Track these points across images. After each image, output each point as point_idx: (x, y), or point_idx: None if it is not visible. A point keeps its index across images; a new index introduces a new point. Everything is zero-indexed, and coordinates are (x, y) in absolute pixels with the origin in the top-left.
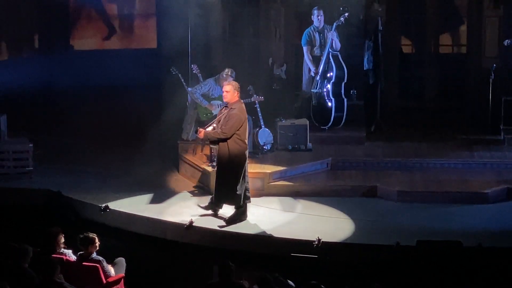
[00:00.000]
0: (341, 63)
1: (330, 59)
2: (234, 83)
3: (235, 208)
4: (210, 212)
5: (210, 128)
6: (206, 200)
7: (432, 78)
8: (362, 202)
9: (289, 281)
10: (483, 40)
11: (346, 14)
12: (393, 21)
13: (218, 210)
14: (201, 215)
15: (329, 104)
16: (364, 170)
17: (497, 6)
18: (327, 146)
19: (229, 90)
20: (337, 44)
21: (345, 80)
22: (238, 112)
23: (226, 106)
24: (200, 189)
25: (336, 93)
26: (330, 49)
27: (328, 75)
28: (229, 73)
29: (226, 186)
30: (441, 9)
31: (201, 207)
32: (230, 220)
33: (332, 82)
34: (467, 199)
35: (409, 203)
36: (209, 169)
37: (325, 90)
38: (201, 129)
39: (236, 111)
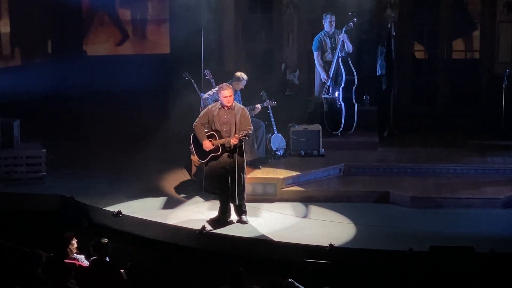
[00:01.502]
0: (351, 68)
1: (339, 63)
2: (231, 86)
3: (241, 205)
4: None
5: (206, 141)
6: (217, 205)
7: (445, 83)
8: (374, 207)
9: (301, 286)
10: (496, 45)
11: (355, 19)
12: (406, 26)
13: (229, 217)
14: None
15: (340, 109)
16: (377, 175)
17: (510, 11)
18: (340, 151)
19: (232, 94)
20: (349, 47)
21: (355, 85)
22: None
23: (221, 108)
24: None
25: (346, 98)
26: (340, 54)
27: (338, 80)
28: (241, 76)
29: (242, 183)
30: (454, 15)
31: (210, 222)
32: (244, 215)
33: (342, 87)
34: (480, 204)
35: (421, 208)
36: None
37: (335, 95)
38: (236, 137)
39: (246, 110)
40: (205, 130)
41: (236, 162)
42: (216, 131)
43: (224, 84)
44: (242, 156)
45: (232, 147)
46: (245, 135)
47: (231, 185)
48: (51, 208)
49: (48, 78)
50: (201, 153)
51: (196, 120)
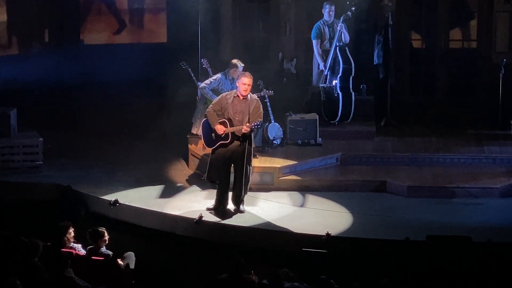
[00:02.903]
0: (349, 57)
1: (337, 53)
2: (251, 76)
3: (242, 197)
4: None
5: (219, 126)
6: (214, 194)
7: (442, 73)
8: (371, 197)
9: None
10: (494, 35)
11: (353, 8)
12: (404, 15)
13: (226, 206)
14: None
15: (337, 98)
16: (374, 165)
17: (507, 1)
18: (337, 140)
19: (251, 84)
20: (346, 37)
21: (353, 74)
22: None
23: (236, 97)
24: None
25: (343, 87)
26: (337, 43)
27: (336, 69)
28: (238, 63)
29: (248, 175)
30: (452, 4)
31: (207, 211)
32: (242, 204)
33: (339, 76)
34: (477, 194)
35: (418, 198)
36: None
37: (333, 84)
38: (247, 125)
39: (260, 103)
40: (218, 118)
41: (245, 153)
42: (229, 119)
43: (247, 72)
44: (251, 147)
45: (242, 136)
46: (256, 125)
47: (239, 176)
48: (48, 197)
49: (45, 67)
50: (210, 140)
51: (209, 106)
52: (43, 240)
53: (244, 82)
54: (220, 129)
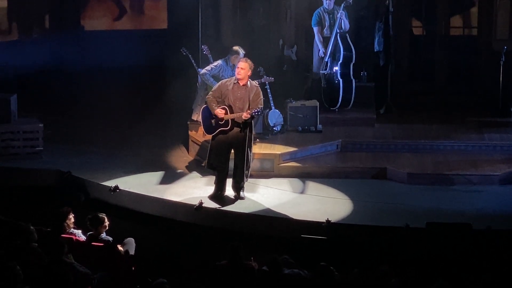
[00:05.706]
0: (349, 44)
1: (338, 40)
2: (251, 62)
3: (242, 184)
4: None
5: (219, 110)
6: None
7: (442, 60)
8: (371, 184)
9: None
10: (494, 22)
11: None
12: (404, 2)
13: (224, 192)
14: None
15: (338, 85)
16: (374, 152)
17: None
18: (337, 127)
19: (245, 68)
20: (346, 25)
21: (353, 61)
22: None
23: (236, 84)
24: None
25: (344, 74)
26: (338, 30)
27: (336, 56)
28: (240, 49)
29: (249, 162)
30: None
31: (207, 197)
32: (242, 190)
33: (340, 63)
34: (476, 181)
35: (418, 185)
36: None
37: (333, 71)
38: (247, 112)
39: (260, 90)
40: (218, 105)
41: (246, 139)
42: (229, 106)
43: (246, 57)
44: (251, 134)
45: (242, 123)
46: (257, 111)
47: (239, 163)
48: (48, 183)
49: (45, 53)
50: (209, 127)
51: (209, 93)
52: (43, 226)
53: (239, 65)
54: (220, 114)
